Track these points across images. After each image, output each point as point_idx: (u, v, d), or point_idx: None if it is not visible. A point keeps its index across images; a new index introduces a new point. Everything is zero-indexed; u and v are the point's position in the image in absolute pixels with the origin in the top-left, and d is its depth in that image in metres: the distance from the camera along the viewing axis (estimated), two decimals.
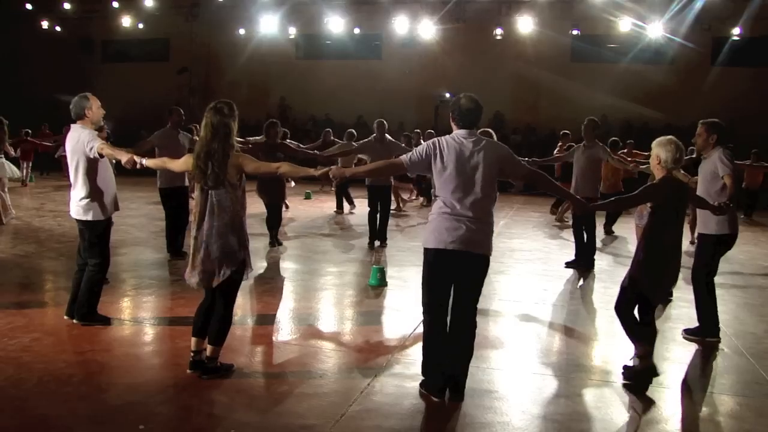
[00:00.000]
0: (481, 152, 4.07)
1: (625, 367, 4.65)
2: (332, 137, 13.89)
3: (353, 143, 12.88)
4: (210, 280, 4.27)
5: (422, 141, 14.61)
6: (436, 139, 4.16)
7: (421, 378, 4.32)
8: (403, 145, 12.01)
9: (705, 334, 5.52)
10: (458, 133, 4.15)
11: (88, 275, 5.32)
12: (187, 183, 8.10)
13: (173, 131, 7.99)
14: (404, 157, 4.24)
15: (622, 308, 4.60)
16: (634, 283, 4.55)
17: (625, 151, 12.23)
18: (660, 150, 4.53)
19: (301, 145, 10.98)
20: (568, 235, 8.82)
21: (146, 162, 4.85)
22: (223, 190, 4.22)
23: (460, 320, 4.17)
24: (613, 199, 5.11)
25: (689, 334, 5.55)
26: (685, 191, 4.74)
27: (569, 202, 4.70)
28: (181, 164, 4.62)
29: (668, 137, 4.61)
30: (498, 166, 4.12)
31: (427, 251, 4.15)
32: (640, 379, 4.50)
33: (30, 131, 16.14)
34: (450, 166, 4.03)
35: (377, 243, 9.52)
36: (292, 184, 13.20)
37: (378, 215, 9.51)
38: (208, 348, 4.38)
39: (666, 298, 5.71)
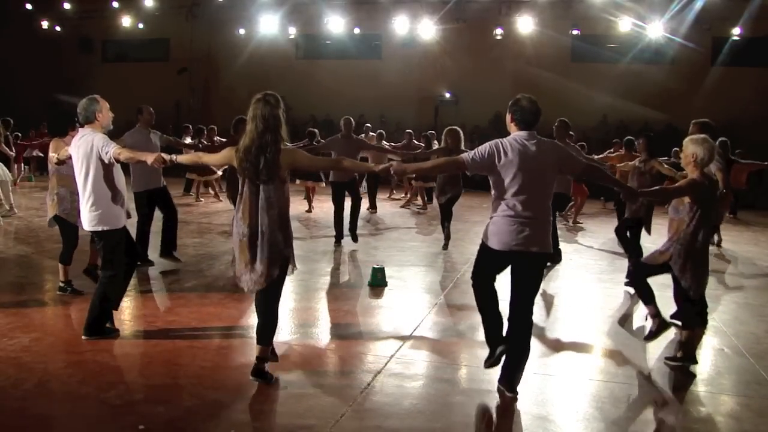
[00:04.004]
0: (543, 153, 4.10)
1: (667, 358, 4.87)
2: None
3: (384, 143, 12.92)
4: (260, 281, 4.17)
5: (414, 141, 14.71)
6: (498, 140, 4.17)
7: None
8: (385, 143, 11.98)
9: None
10: (519, 134, 4.14)
11: (101, 288, 5.04)
12: (163, 183, 7.76)
13: (144, 130, 7.64)
14: (466, 156, 4.24)
15: (637, 274, 4.95)
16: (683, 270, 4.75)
17: (612, 150, 12.11)
18: (697, 148, 4.72)
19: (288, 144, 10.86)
20: (569, 236, 8.83)
21: (179, 158, 4.67)
22: (272, 185, 4.10)
23: (519, 317, 4.21)
24: (658, 188, 5.39)
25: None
26: (716, 186, 4.96)
27: (621, 191, 4.84)
28: (221, 158, 4.43)
29: (702, 136, 4.90)
30: (558, 165, 4.20)
31: (487, 247, 4.20)
32: (680, 362, 4.76)
33: (20, 134, 16.17)
34: (515, 168, 4.04)
35: (346, 240, 9.33)
36: (323, 184, 13.10)
37: (349, 211, 9.35)
38: (257, 348, 4.29)
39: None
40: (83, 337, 5.03)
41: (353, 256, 8.94)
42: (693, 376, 4.76)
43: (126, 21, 22.25)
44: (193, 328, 5.45)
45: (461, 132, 8.84)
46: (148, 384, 4.38)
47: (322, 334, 5.66)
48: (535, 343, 5.42)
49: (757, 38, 18.42)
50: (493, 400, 4.20)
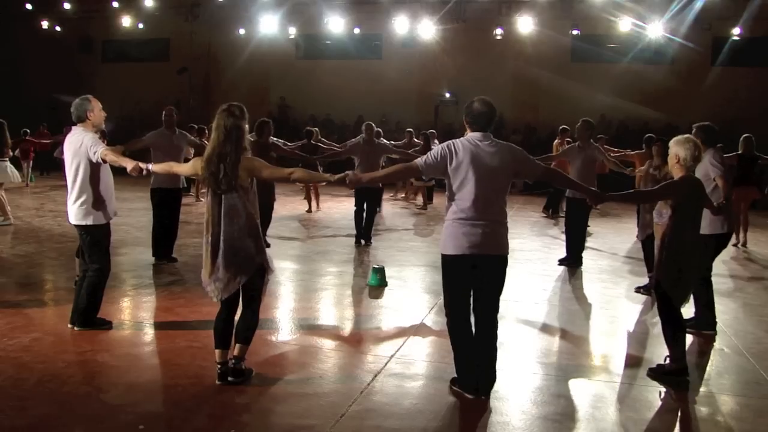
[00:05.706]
0: (497, 155, 4.06)
1: (654, 367, 4.68)
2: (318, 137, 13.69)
3: (383, 140, 12.85)
4: (228, 288, 4.17)
5: (414, 140, 14.68)
6: (450, 141, 4.15)
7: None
8: (384, 141, 11.94)
9: (702, 327, 5.68)
10: (473, 135, 4.12)
11: (89, 281, 5.21)
12: (182, 185, 8.01)
13: (166, 132, 7.79)
14: (419, 161, 4.21)
15: (660, 310, 4.69)
16: (658, 284, 4.62)
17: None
18: (679, 149, 4.57)
19: (288, 144, 10.83)
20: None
21: (153, 167, 4.78)
22: (235, 194, 4.13)
23: (484, 320, 4.18)
24: (630, 191, 5.14)
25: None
26: (703, 190, 4.77)
27: (586, 194, 4.75)
28: (189, 168, 4.50)
29: (685, 136, 4.70)
30: (513, 168, 4.14)
31: (445, 257, 4.16)
32: (666, 378, 4.56)
33: (28, 131, 16.16)
34: (466, 169, 4.01)
35: (363, 242, 9.50)
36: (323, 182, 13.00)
37: (364, 214, 9.47)
38: (237, 347, 4.31)
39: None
40: (69, 325, 5.19)
41: (353, 256, 8.95)
42: (692, 376, 4.76)
43: (126, 21, 22.22)
44: (193, 328, 5.45)
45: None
46: (148, 384, 4.38)
47: (322, 334, 5.65)
48: (535, 343, 5.46)
49: (757, 38, 18.39)
50: (494, 400, 4.20)
